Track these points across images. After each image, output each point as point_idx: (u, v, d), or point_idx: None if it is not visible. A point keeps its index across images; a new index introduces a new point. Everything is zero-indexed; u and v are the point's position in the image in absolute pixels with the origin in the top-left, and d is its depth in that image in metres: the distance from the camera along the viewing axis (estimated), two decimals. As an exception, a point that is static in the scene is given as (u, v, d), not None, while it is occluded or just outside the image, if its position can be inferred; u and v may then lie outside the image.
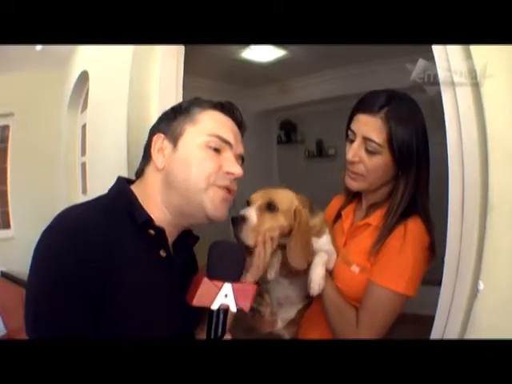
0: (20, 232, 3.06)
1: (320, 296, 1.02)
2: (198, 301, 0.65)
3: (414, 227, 1.00)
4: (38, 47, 2.63)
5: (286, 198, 1.02)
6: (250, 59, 3.77)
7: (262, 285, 1.04)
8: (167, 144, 0.86)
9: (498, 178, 1.01)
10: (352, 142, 1.04)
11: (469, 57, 1.05)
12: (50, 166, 3.14)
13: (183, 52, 1.70)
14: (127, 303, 0.75)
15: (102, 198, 0.86)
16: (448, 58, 1.10)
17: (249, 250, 0.94)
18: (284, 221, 0.99)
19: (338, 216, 1.20)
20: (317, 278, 1.00)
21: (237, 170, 0.86)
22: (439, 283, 1.17)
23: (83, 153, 2.91)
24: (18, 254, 2.32)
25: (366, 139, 1.01)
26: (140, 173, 0.90)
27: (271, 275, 1.00)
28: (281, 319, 1.14)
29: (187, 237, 0.93)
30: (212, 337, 0.66)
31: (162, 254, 0.84)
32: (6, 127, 3.12)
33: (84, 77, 2.74)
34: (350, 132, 1.06)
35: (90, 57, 2.63)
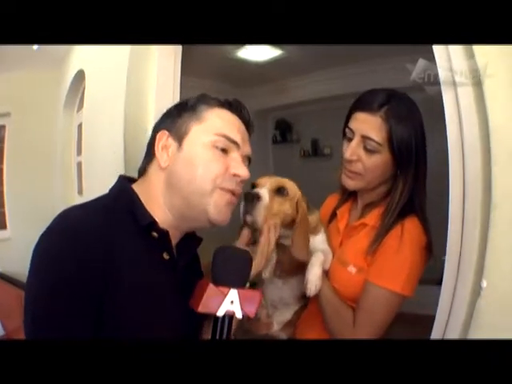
0: (17, 232, 3.03)
1: (316, 296, 1.02)
2: (203, 307, 0.63)
3: (411, 227, 1.00)
4: (35, 47, 2.61)
5: (292, 187, 1.04)
6: (246, 58, 3.76)
7: (257, 287, 1.04)
8: (172, 142, 0.83)
9: (501, 177, 1.00)
10: (350, 140, 1.04)
11: (470, 56, 1.04)
12: (46, 166, 3.12)
13: (180, 51, 1.69)
14: (127, 303, 0.74)
15: (103, 198, 0.83)
16: (449, 57, 1.09)
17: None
18: (289, 208, 1.01)
19: (333, 215, 1.20)
20: (313, 278, 1.00)
21: (244, 172, 0.83)
22: (439, 283, 1.17)
23: (79, 152, 2.89)
24: (14, 254, 2.31)
25: (364, 138, 1.00)
26: (142, 171, 0.87)
27: (266, 274, 1.00)
28: (276, 322, 1.13)
29: (190, 239, 0.91)
30: None
31: (165, 256, 0.82)
32: (2, 127, 3.10)
33: (80, 76, 2.72)
34: (347, 130, 1.05)
35: (86, 56, 2.61)
